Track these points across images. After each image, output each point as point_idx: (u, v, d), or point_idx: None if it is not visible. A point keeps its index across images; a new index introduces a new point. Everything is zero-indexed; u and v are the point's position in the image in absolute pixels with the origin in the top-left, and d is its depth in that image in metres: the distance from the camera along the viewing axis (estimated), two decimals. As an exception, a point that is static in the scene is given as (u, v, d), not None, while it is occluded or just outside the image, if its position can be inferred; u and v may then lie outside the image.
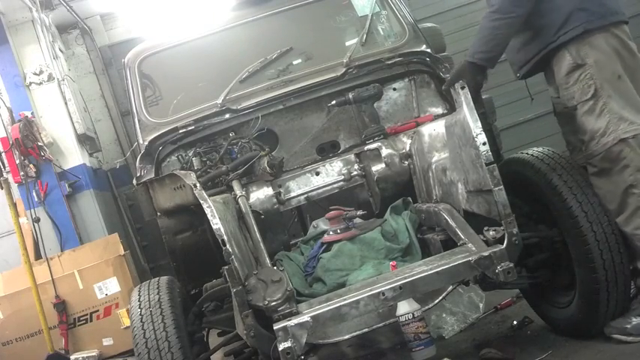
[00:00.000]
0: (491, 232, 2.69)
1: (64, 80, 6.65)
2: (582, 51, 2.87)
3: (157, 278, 3.08)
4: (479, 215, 2.97)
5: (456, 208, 2.91)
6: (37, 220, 5.75)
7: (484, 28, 2.95)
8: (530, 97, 3.37)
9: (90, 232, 6.42)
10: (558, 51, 2.93)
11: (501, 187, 2.53)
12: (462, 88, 2.64)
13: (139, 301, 2.89)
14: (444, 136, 3.05)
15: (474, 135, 2.54)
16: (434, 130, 3.19)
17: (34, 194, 6.09)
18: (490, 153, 2.53)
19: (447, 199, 3.01)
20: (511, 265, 2.56)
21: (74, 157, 6.46)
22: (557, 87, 3.03)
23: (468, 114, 2.58)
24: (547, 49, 2.95)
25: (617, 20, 2.92)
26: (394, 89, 3.82)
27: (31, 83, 6.41)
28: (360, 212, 3.21)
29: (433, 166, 3.13)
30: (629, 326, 2.88)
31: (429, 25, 4.28)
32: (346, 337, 2.95)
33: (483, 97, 3.45)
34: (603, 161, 2.87)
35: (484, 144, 2.52)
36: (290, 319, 2.44)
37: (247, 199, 3.35)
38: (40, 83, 6.43)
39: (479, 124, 2.56)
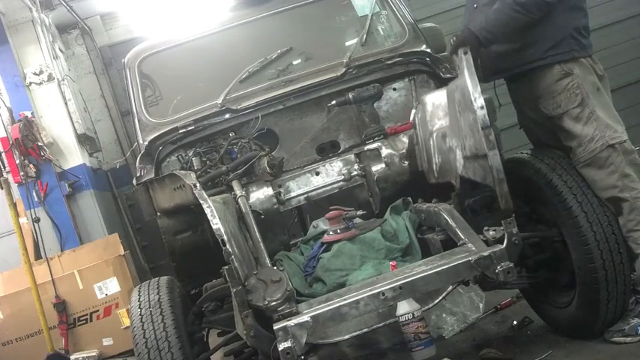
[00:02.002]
0: (491, 232, 2.69)
1: (64, 80, 6.65)
2: (569, 64, 2.99)
3: (157, 278, 3.08)
4: (478, 214, 2.98)
5: (454, 175, 2.87)
6: (37, 220, 5.75)
7: (503, 13, 2.97)
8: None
9: (90, 232, 6.41)
10: (546, 66, 3.01)
11: (496, 151, 2.49)
12: (465, 53, 2.62)
13: (139, 301, 2.89)
14: (446, 105, 3.02)
15: (473, 99, 2.51)
16: (437, 98, 3.13)
17: (34, 194, 6.08)
18: (487, 117, 2.49)
19: (445, 166, 2.99)
20: (511, 265, 2.56)
21: (74, 157, 6.45)
22: (534, 100, 3.08)
23: (468, 78, 2.55)
24: (533, 65, 3.05)
25: (592, 52, 3.10)
26: (394, 89, 3.82)
27: (31, 83, 6.41)
28: (360, 212, 3.21)
29: (434, 135, 3.09)
30: (626, 327, 2.89)
31: (429, 25, 4.28)
32: (346, 337, 2.96)
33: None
34: (587, 168, 2.90)
35: (482, 108, 2.49)
36: (290, 319, 2.44)
37: (247, 199, 3.35)
38: (40, 83, 6.43)
39: (478, 88, 2.52)
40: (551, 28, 2.99)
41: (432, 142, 3.13)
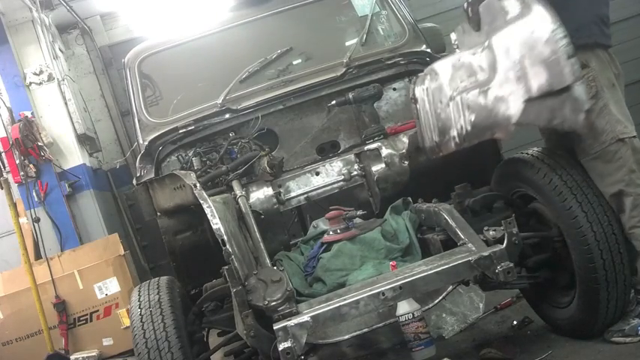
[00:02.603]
0: (491, 232, 2.69)
1: (64, 80, 6.65)
2: (586, 55, 2.94)
3: (157, 278, 3.08)
4: (478, 214, 2.97)
5: (502, 127, 2.75)
6: (37, 220, 5.75)
7: None
8: None
9: (90, 232, 6.41)
10: None
11: (582, 81, 2.39)
12: None
13: (139, 301, 2.88)
14: (471, 64, 2.89)
15: (553, 29, 2.39)
16: (458, 60, 2.98)
17: (34, 194, 6.08)
18: (571, 45, 2.38)
19: (484, 122, 2.83)
20: (511, 265, 2.56)
21: (74, 157, 6.45)
22: None
23: (541, 9, 2.44)
24: None
25: (612, 44, 3.08)
26: (394, 89, 3.82)
27: (31, 83, 6.41)
28: (360, 212, 3.21)
29: (460, 96, 2.94)
30: (626, 328, 2.89)
31: (429, 25, 4.28)
32: (346, 337, 2.96)
33: None
34: (596, 161, 2.89)
35: (565, 36, 2.38)
36: (290, 319, 2.44)
37: (247, 199, 3.35)
38: (40, 83, 6.43)
39: (557, 16, 2.41)
40: (573, 12, 2.92)
41: (453, 107, 2.99)
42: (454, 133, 3.02)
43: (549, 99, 2.49)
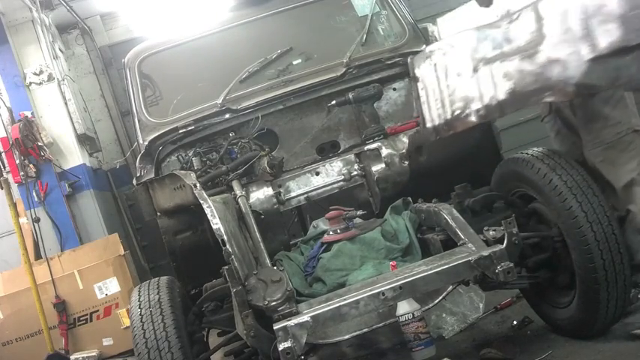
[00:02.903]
0: (491, 232, 2.69)
1: (64, 80, 6.65)
2: None
3: (157, 278, 3.07)
4: (478, 214, 2.96)
5: (556, 90, 2.58)
6: (37, 220, 5.75)
7: None
8: None
9: (90, 232, 6.41)
10: None
11: None
12: None
13: (139, 301, 2.88)
14: (503, 34, 2.71)
15: None
16: (481, 34, 2.80)
17: (34, 194, 6.09)
18: None
19: (532, 87, 2.64)
20: (511, 265, 2.57)
21: (74, 157, 6.46)
22: None
23: None
24: None
25: None
26: (394, 89, 3.82)
27: (31, 83, 6.41)
28: (360, 212, 3.21)
29: (488, 67, 2.77)
30: None
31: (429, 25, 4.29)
32: (346, 337, 2.96)
33: None
34: (610, 150, 2.90)
35: None
36: (290, 319, 2.44)
37: (247, 199, 3.36)
38: (40, 83, 6.43)
39: None
40: None
41: (477, 78, 2.82)
42: (477, 105, 2.86)
43: (619, 57, 2.38)
